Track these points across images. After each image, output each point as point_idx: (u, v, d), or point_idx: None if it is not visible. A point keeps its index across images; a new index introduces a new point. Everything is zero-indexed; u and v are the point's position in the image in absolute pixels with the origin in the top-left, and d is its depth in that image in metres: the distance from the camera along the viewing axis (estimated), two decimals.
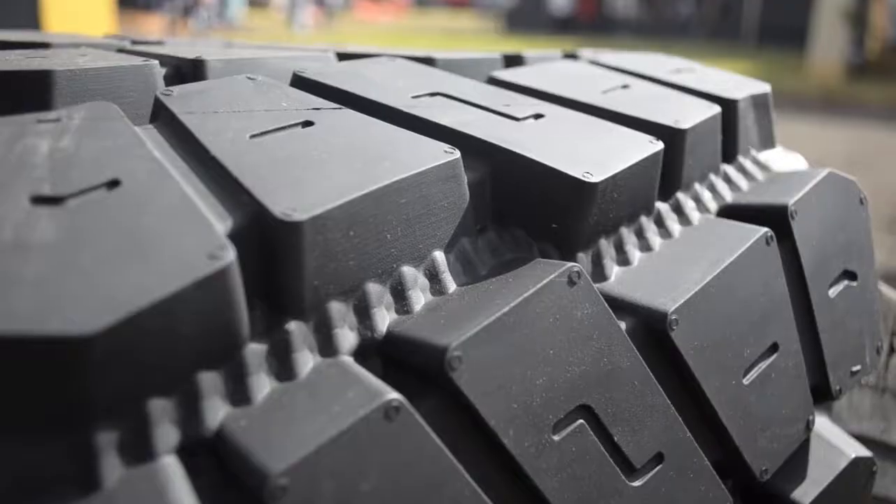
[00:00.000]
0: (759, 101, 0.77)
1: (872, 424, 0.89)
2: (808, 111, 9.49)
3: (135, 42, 0.79)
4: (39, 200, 0.39)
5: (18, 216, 0.38)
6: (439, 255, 0.49)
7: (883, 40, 14.02)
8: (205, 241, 0.38)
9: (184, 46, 0.71)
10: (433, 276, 0.48)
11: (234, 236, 0.41)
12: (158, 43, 0.78)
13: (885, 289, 0.90)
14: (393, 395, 0.39)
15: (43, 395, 0.33)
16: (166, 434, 0.37)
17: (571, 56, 0.84)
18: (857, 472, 0.66)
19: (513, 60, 0.77)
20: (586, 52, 0.87)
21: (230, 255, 0.37)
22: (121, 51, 0.68)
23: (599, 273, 0.55)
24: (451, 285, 0.49)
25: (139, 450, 0.36)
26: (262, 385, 0.40)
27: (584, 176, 0.51)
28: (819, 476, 0.63)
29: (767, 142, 0.78)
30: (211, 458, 0.38)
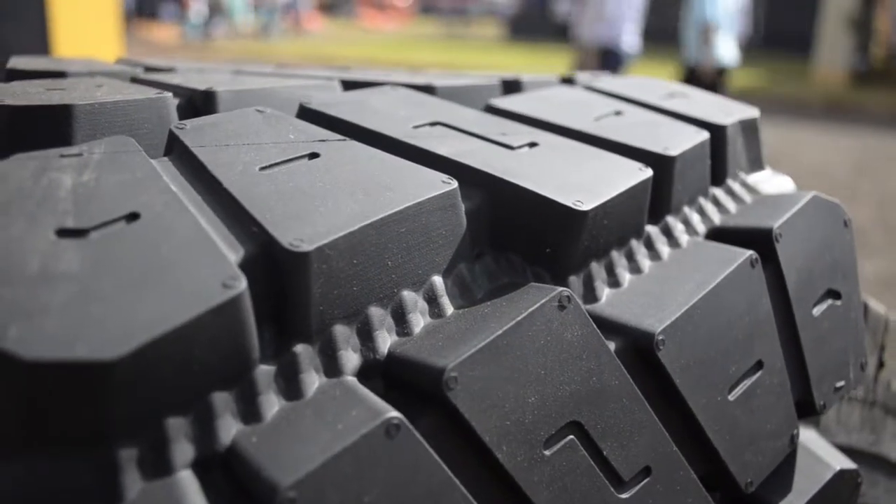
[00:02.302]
0: (747, 126, 0.79)
1: (862, 436, 0.91)
2: (813, 118, 9.50)
3: (147, 69, 0.82)
4: (64, 233, 0.42)
5: (45, 248, 0.41)
6: (438, 280, 0.52)
7: (888, 47, 14.02)
8: (219, 271, 0.41)
9: (194, 75, 0.74)
10: (432, 300, 0.51)
11: (245, 265, 0.43)
12: (169, 70, 0.81)
13: (873, 303, 0.92)
14: (393, 413, 0.42)
15: (70, 415, 0.36)
16: (182, 450, 0.39)
17: (568, 80, 0.87)
18: (841, 485, 0.68)
19: (510, 86, 0.80)
20: (583, 76, 0.90)
21: (242, 284, 0.40)
22: (134, 80, 0.72)
23: (591, 295, 0.58)
24: (449, 308, 0.51)
25: (158, 465, 0.38)
26: (272, 404, 0.43)
27: (574, 204, 0.54)
28: (804, 488, 0.66)
29: (756, 164, 0.81)
30: (224, 472, 0.41)
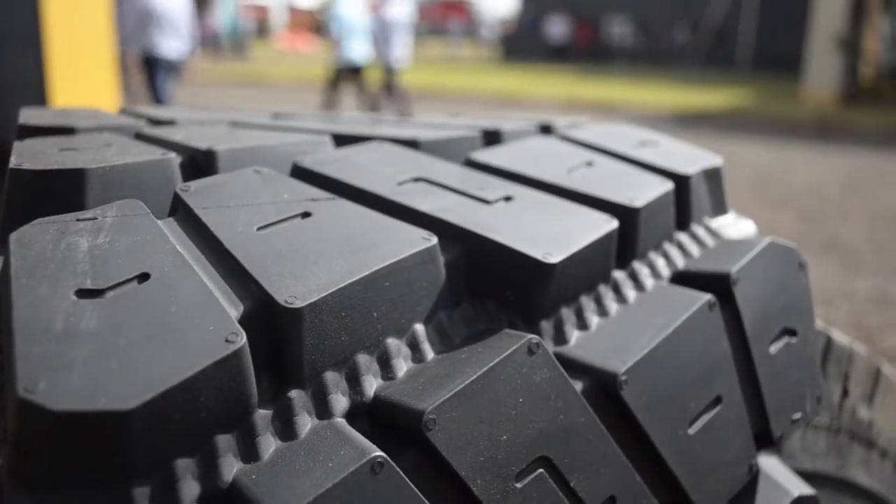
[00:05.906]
0: (711, 174, 0.85)
1: (829, 462, 0.96)
2: (803, 137, 9.62)
3: (150, 121, 0.87)
4: (83, 293, 0.47)
5: (67, 307, 0.46)
6: (419, 328, 0.57)
7: (876, 66, 14.18)
8: (221, 327, 0.46)
9: (195, 129, 0.79)
10: (414, 346, 0.56)
11: (245, 320, 0.49)
12: (171, 122, 0.86)
13: (837, 335, 0.98)
14: (378, 452, 0.46)
15: (91, 458, 0.41)
16: (189, 488, 0.44)
17: (546, 128, 0.93)
18: None
19: (491, 137, 0.86)
20: (561, 123, 0.96)
21: (243, 339, 0.45)
22: (139, 136, 0.77)
23: (561, 337, 0.63)
24: (430, 354, 0.57)
25: (167, 502, 0.43)
26: (269, 444, 0.48)
27: (544, 257, 0.60)
28: None
29: (719, 209, 0.87)
30: None
